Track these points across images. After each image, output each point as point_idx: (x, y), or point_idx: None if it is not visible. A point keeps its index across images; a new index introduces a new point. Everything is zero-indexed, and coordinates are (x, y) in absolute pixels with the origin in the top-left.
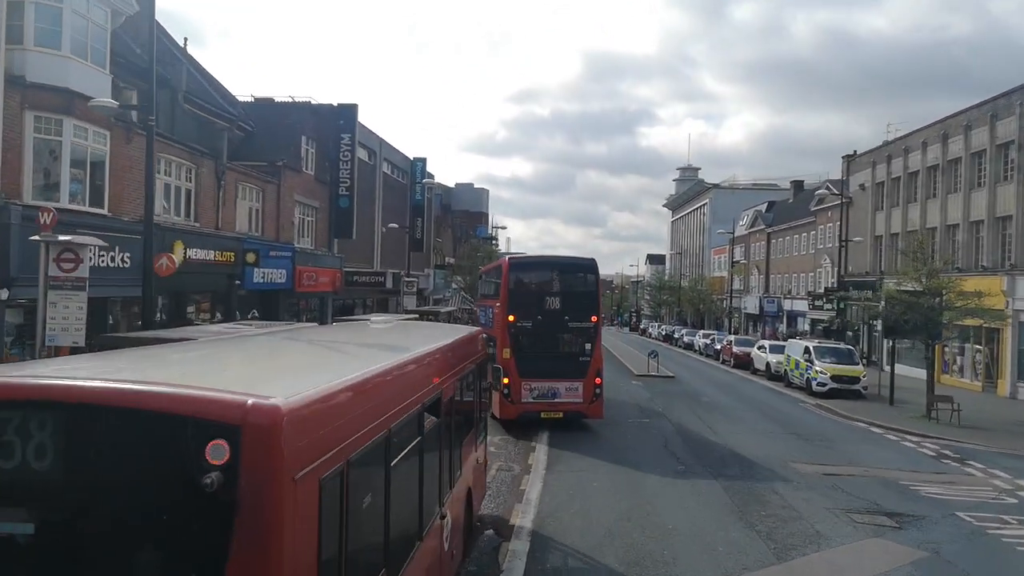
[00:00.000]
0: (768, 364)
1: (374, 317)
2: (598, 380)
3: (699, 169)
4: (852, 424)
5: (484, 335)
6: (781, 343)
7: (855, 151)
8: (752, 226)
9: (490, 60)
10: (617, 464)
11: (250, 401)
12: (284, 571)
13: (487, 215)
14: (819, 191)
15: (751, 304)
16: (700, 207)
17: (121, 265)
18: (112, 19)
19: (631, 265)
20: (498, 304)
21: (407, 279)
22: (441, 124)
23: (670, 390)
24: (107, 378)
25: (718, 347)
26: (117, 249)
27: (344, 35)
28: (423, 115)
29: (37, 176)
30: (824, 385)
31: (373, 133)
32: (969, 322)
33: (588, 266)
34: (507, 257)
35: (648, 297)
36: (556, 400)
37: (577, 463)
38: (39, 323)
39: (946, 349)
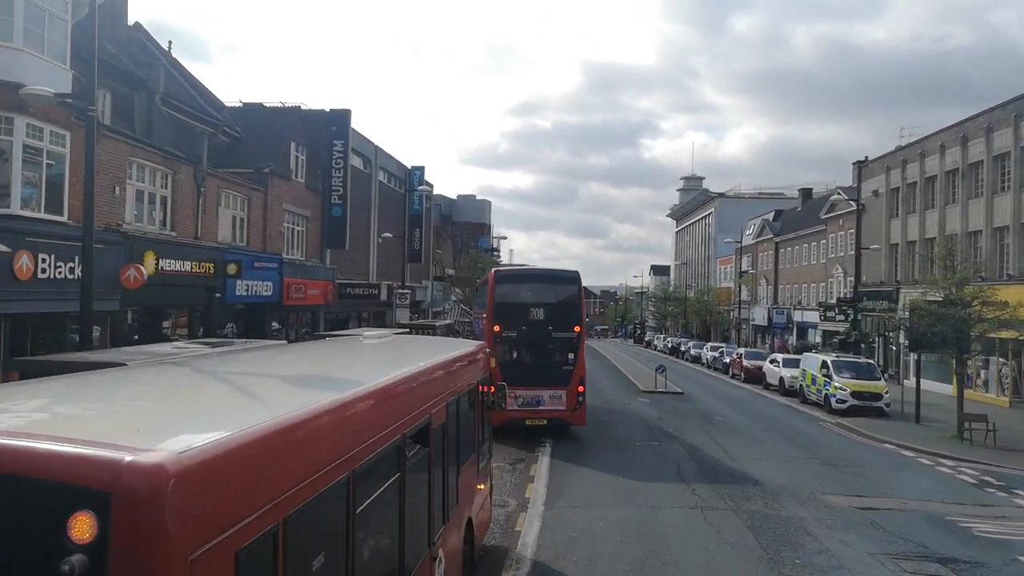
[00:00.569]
0: (782, 379)
1: (367, 332)
2: (581, 388)
3: (703, 179)
4: (879, 446)
5: (487, 350)
6: (795, 357)
7: (866, 157)
8: (759, 235)
9: (492, 73)
10: (626, 498)
11: (126, 459)
12: None
13: (489, 227)
14: (834, 196)
15: (759, 315)
16: (705, 217)
17: (81, 277)
18: (74, 10)
19: (635, 276)
20: (485, 315)
21: (400, 291)
22: (443, 137)
23: (680, 408)
24: None
25: (727, 360)
26: (77, 260)
27: (345, 50)
28: (425, 129)
29: None
30: (844, 402)
31: (368, 140)
32: (1004, 334)
33: (571, 278)
34: (493, 270)
35: (652, 308)
36: (540, 408)
37: (580, 496)
38: None
39: (969, 363)
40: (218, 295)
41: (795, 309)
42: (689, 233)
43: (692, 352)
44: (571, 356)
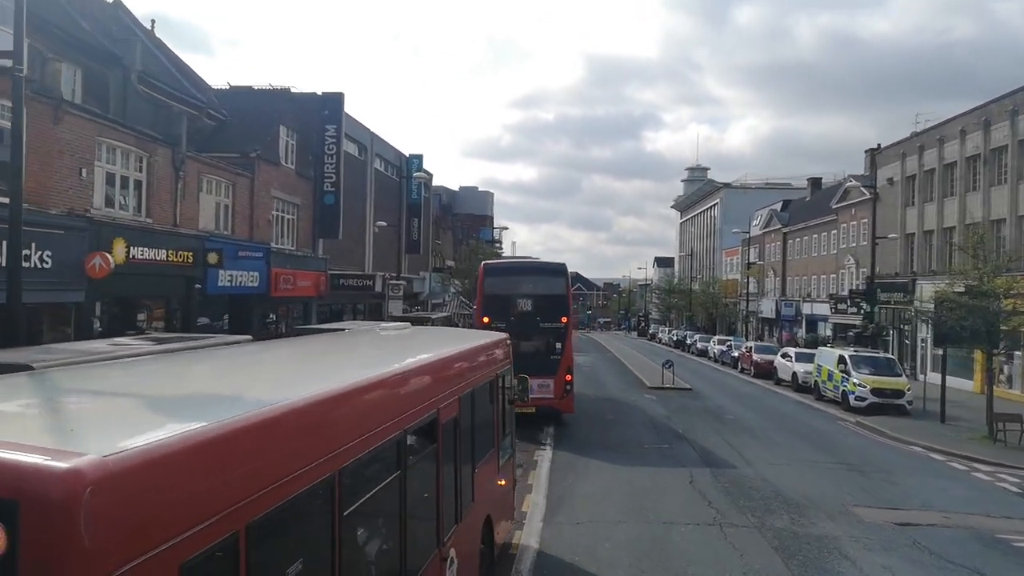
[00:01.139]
0: (795, 374)
1: (382, 324)
2: (568, 377)
3: (708, 169)
4: (906, 449)
5: (509, 341)
6: (809, 351)
7: (879, 144)
8: (767, 226)
9: (494, 65)
10: (635, 512)
11: (38, 462)
12: None
13: (492, 218)
14: (848, 183)
15: (767, 308)
16: (710, 207)
17: (39, 265)
18: None
19: (639, 268)
20: (476, 307)
21: (392, 282)
22: (445, 130)
23: (688, 406)
24: None
25: (736, 354)
26: (34, 247)
27: (345, 49)
28: (426, 122)
29: None
30: (863, 400)
31: (364, 127)
32: None
33: (559, 270)
34: (483, 263)
35: (657, 301)
36: (529, 396)
37: (583, 510)
38: None
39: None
40: (198, 286)
41: (804, 301)
42: (694, 224)
43: (699, 345)
44: (559, 346)
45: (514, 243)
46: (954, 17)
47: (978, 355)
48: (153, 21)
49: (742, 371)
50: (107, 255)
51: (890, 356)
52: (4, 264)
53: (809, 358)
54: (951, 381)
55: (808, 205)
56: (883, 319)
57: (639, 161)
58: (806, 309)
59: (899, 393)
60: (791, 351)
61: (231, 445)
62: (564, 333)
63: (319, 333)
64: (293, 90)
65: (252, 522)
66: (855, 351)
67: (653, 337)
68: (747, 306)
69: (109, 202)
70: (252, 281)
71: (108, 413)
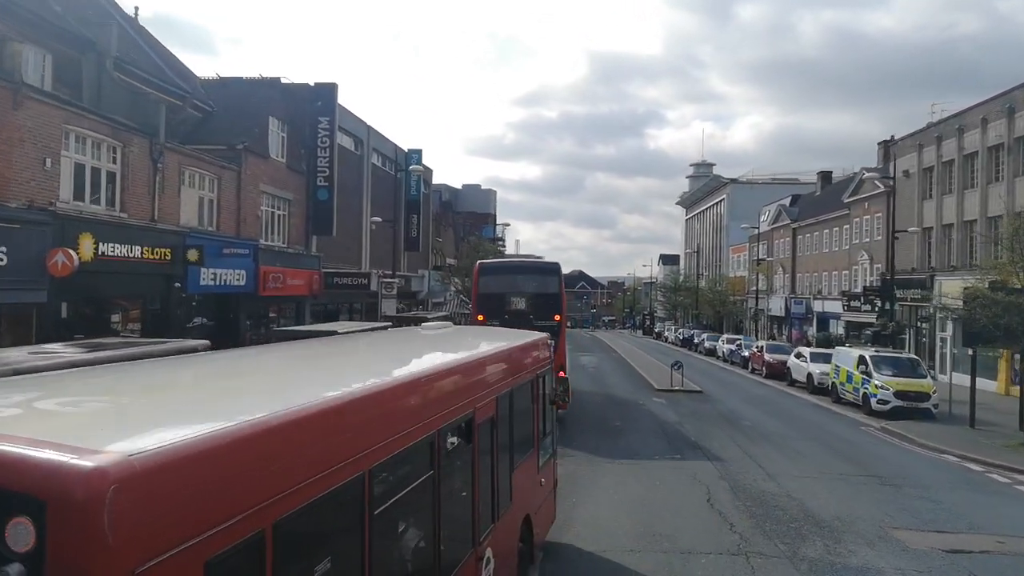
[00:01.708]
0: (810, 375)
1: (425, 324)
2: (562, 374)
3: (713, 165)
4: (939, 458)
5: (550, 341)
6: (824, 351)
7: (893, 135)
8: (775, 221)
9: (496, 64)
10: (648, 538)
11: (68, 460)
12: None
13: (494, 216)
14: (864, 175)
15: (776, 305)
16: (716, 203)
17: None
18: None
19: (644, 265)
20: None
21: (386, 280)
22: (448, 128)
23: (700, 410)
24: None
25: (745, 354)
26: None
27: (345, 47)
28: (430, 121)
29: None
30: (886, 403)
31: (360, 120)
32: None
33: (552, 269)
34: (478, 262)
35: (662, 298)
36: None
37: (590, 534)
38: None
39: (1017, 357)
40: (178, 285)
41: (815, 299)
42: (699, 221)
43: (707, 344)
44: (552, 343)
45: (517, 241)
46: (958, 13)
47: (1004, 354)
48: (136, 8)
49: (753, 371)
50: (71, 251)
51: (914, 356)
52: None
53: (825, 358)
54: (968, 381)
55: (818, 200)
56: (900, 317)
57: (643, 159)
58: (817, 307)
59: (924, 396)
60: (805, 351)
61: (256, 444)
62: (557, 331)
63: (306, 338)
64: (284, 80)
65: (279, 520)
66: (876, 351)
67: (659, 336)
68: (756, 304)
69: (79, 195)
70: (238, 280)
71: (128, 413)
